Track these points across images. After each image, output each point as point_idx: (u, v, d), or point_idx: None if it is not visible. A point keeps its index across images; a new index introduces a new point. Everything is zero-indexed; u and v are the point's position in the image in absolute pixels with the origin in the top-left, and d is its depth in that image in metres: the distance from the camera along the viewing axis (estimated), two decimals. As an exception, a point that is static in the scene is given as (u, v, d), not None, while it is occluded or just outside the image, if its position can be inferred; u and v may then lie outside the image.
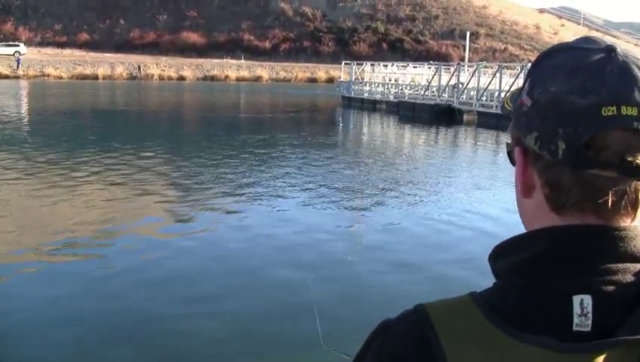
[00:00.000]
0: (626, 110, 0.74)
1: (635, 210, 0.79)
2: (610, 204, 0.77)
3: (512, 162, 0.86)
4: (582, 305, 0.74)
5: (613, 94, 0.75)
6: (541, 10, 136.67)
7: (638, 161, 0.74)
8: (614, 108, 0.74)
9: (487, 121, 27.33)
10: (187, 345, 5.42)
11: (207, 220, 9.88)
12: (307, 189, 12.36)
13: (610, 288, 0.75)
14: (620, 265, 0.76)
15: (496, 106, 27.15)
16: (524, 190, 0.84)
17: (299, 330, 5.76)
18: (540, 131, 0.79)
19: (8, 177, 12.87)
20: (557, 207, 0.80)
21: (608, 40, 0.83)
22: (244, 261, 7.81)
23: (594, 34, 0.80)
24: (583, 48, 0.80)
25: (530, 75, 0.84)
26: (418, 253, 8.35)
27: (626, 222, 0.79)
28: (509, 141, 0.88)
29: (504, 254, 0.83)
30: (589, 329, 0.74)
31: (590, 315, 0.74)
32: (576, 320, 0.74)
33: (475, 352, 0.76)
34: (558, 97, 0.77)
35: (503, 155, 17.66)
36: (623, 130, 0.74)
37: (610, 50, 0.79)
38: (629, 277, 0.76)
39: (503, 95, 24.97)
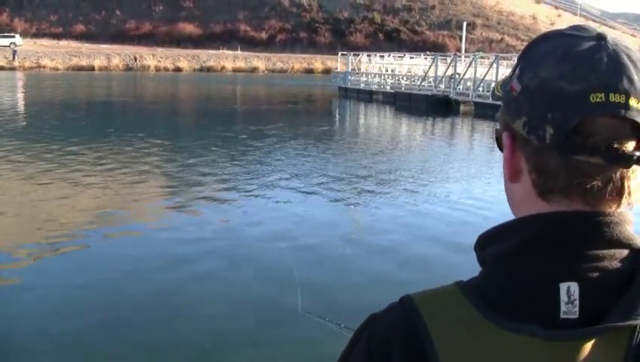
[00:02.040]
0: (614, 97, 0.74)
1: (621, 197, 0.79)
2: (596, 190, 0.77)
3: (500, 147, 0.87)
4: (568, 292, 0.74)
5: (603, 81, 0.75)
6: (538, 1, 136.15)
7: (624, 149, 0.75)
8: (603, 94, 0.74)
9: (484, 111, 27.36)
10: (185, 329, 5.50)
11: (205, 209, 9.93)
12: (303, 179, 12.40)
13: (597, 274, 0.75)
14: (606, 251, 0.76)
15: (493, 97, 27.14)
16: (512, 175, 0.84)
17: (281, 300, 6.17)
18: (528, 116, 0.79)
19: (4, 168, 12.89)
20: (543, 192, 0.80)
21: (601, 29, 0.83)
22: (240, 244, 7.91)
23: (590, 24, 0.84)
24: (574, 35, 0.81)
25: (520, 61, 0.84)
26: (410, 240, 8.42)
27: (611, 208, 0.79)
28: (498, 127, 0.88)
29: (491, 242, 0.83)
30: (576, 316, 0.74)
31: (577, 302, 0.74)
32: (563, 307, 0.74)
33: (464, 341, 0.76)
34: (548, 82, 0.77)
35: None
36: (610, 117, 0.74)
37: (601, 38, 0.79)
38: (615, 263, 0.76)
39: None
